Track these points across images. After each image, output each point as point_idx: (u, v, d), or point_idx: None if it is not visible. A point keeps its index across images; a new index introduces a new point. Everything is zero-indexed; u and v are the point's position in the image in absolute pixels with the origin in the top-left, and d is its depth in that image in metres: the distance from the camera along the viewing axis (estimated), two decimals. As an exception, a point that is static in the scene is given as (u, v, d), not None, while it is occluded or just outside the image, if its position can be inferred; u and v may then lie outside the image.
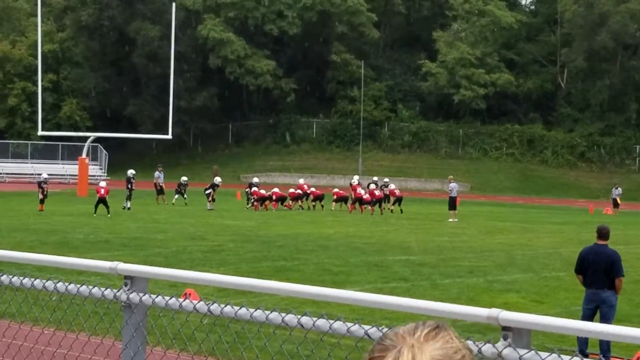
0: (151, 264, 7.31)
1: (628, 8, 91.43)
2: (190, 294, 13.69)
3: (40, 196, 45.22)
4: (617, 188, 62.59)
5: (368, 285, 20.78)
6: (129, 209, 47.43)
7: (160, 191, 54.71)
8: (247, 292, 13.35)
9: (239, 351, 10.18)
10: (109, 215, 41.95)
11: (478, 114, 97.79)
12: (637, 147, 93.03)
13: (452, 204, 48.13)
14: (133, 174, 51.23)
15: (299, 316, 4.83)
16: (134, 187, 50.08)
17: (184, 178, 55.64)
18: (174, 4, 67.32)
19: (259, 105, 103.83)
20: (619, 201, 61.48)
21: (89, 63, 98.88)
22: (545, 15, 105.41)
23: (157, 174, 55.53)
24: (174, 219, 41.24)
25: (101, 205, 42.97)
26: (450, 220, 46.76)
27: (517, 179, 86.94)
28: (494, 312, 4.17)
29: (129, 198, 48.94)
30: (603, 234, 15.11)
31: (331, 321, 4.67)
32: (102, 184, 45.76)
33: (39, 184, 46.76)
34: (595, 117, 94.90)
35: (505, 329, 4.17)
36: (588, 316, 14.63)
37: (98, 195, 43.55)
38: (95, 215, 42.31)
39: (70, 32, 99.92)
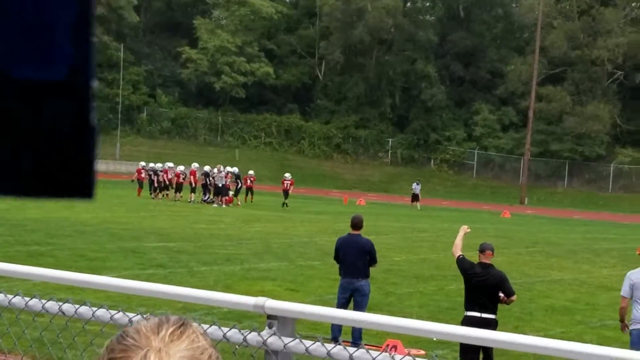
0: None
1: (384, 4, 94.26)
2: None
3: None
4: (418, 183, 63.05)
5: (125, 271, 20.52)
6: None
7: None
8: (-1, 278, 12.88)
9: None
10: None
11: (238, 103, 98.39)
12: (390, 140, 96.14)
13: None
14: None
15: (60, 303, 4.72)
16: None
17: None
18: None
19: None
20: (419, 196, 61.94)
21: None
22: (304, 7, 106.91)
23: None
24: None
25: None
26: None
27: (275, 168, 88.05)
28: (261, 300, 4.21)
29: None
30: (355, 223, 15.47)
31: (94, 309, 4.59)
32: None
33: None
34: (351, 110, 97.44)
35: (270, 317, 4.21)
36: (342, 304, 14.99)
37: None
38: None
39: None
